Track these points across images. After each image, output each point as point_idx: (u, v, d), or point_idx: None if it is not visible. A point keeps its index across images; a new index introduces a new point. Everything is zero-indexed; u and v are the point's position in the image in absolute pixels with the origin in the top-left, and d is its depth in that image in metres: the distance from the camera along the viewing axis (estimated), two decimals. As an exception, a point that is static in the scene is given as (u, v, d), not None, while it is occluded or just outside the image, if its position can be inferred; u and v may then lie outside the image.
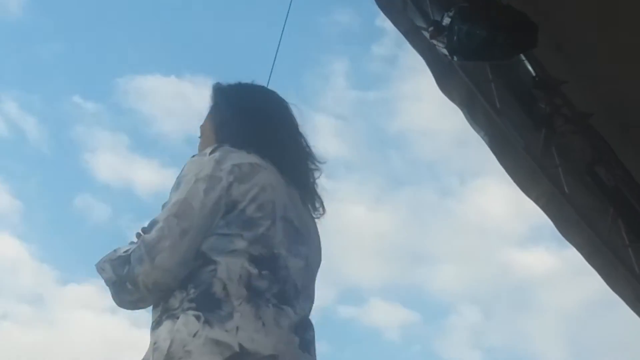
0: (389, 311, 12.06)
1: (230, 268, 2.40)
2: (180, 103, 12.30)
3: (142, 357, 2.39)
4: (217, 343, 2.28)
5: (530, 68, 5.52)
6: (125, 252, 2.45)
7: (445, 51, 4.92)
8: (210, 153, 2.51)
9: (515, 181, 5.72)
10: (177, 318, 2.34)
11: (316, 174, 2.71)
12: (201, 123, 2.78)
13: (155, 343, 2.34)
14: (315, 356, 2.54)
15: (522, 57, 5.37)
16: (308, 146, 2.71)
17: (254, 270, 2.41)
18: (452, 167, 12.74)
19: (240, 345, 2.28)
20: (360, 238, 12.25)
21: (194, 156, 2.56)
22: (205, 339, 2.28)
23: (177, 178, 2.50)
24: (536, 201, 5.79)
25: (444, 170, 12.80)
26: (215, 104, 2.75)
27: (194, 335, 2.29)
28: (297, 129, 2.71)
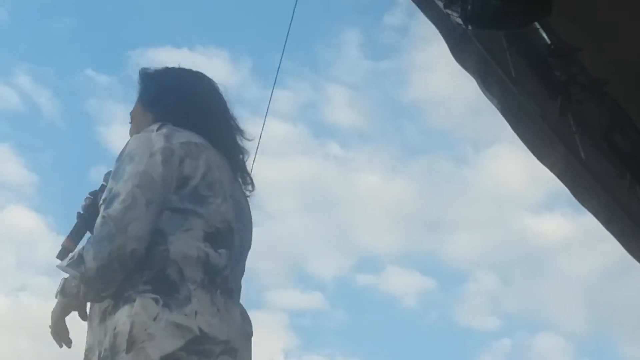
0: (405, 279, 12.11)
1: (184, 249, 2.40)
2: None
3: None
4: (178, 326, 2.30)
5: (545, 36, 5.49)
6: (70, 258, 2.42)
7: (459, 20, 4.90)
8: (157, 130, 2.52)
9: (530, 148, 5.70)
10: (134, 301, 2.34)
11: (244, 151, 2.73)
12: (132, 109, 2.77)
13: (115, 328, 2.33)
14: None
15: (537, 25, 5.34)
16: (237, 124, 2.73)
17: (210, 250, 2.43)
18: (466, 136, 12.73)
19: (200, 329, 2.32)
20: (375, 207, 12.28)
21: (140, 131, 2.55)
22: (166, 322, 2.30)
23: (124, 153, 2.48)
24: (551, 168, 5.77)
25: (458, 138, 12.80)
26: (144, 87, 2.74)
27: (155, 319, 2.30)
28: (227, 107, 2.73)
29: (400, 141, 12.74)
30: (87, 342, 2.45)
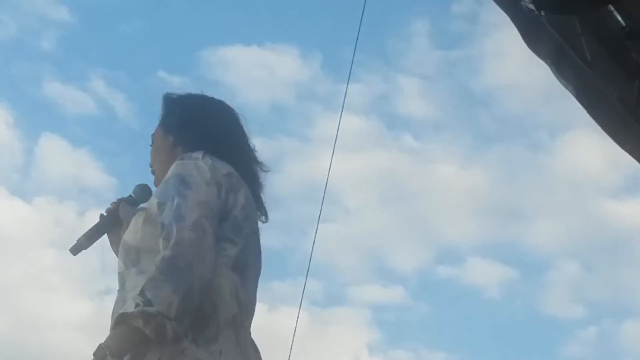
0: (487, 269, 11.98)
1: (220, 282, 2.37)
2: (264, 72, 12.36)
3: None
4: None
5: (619, 18, 5.40)
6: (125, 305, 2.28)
7: (532, 6, 4.86)
8: (202, 158, 2.50)
9: (608, 133, 5.62)
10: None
11: (263, 186, 2.68)
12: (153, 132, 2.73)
13: (144, 358, 2.30)
14: None
15: (611, 7, 5.26)
16: (256, 156, 2.69)
17: (239, 281, 2.42)
18: (541, 122, 12.55)
19: None
20: (453, 197, 12.19)
21: (182, 158, 2.52)
22: (192, 358, 2.29)
23: (173, 176, 2.45)
24: (630, 153, 5.69)
25: (533, 125, 12.63)
26: (167, 111, 2.71)
27: (182, 353, 2.29)
28: (248, 137, 2.69)
29: (475, 130, 12.64)
30: None
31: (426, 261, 12.05)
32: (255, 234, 2.56)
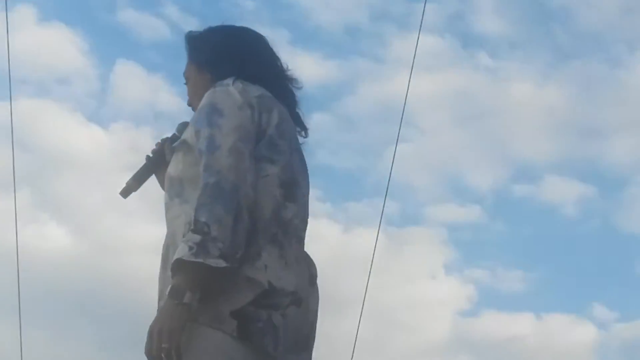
0: (564, 187, 11.84)
1: (261, 200, 2.40)
2: (337, -7, 12.26)
3: None
4: (249, 280, 2.33)
5: None
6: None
7: None
8: (233, 84, 2.52)
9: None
10: None
11: (299, 102, 2.70)
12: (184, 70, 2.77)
13: None
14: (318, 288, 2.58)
15: None
16: (289, 74, 2.71)
17: (282, 199, 2.45)
18: (619, 37, 12.23)
19: (269, 282, 2.35)
20: (529, 115, 12.01)
21: (214, 87, 2.54)
22: (237, 276, 2.31)
23: (206, 105, 2.47)
24: None
25: (610, 40, 12.32)
26: (195, 49, 2.73)
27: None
28: (278, 57, 2.71)
29: (551, 46, 12.37)
30: (158, 288, 2.48)
31: (502, 180, 11.97)
32: (297, 151, 2.59)
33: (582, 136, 12.25)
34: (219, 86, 2.54)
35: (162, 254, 2.50)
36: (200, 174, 2.36)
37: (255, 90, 2.53)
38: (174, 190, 2.50)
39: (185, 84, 2.76)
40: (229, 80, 2.54)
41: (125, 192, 2.72)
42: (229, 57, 2.65)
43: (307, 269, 2.54)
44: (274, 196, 2.44)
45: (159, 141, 2.75)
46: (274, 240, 2.42)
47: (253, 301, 2.33)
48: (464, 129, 12.13)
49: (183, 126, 2.66)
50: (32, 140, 10.72)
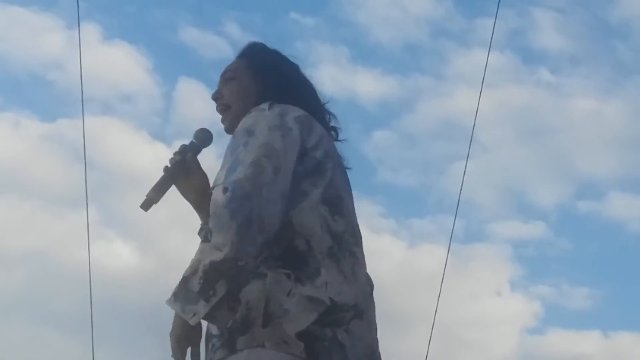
0: (629, 203, 11.72)
1: (308, 219, 2.40)
2: (396, 10, 12.27)
3: None
4: (311, 299, 2.32)
5: None
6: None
7: None
8: (269, 108, 2.52)
9: None
10: (265, 276, 2.34)
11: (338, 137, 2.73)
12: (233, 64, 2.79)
13: (247, 303, 2.32)
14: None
15: None
16: (332, 115, 2.75)
17: (328, 215, 2.44)
18: (681, 51, 12.09)
19: (331, 299, 2.34)
20: (591, 131, 11.92)
21: (250, 112, 2.54)
22: (299, 296, 2.31)
23: (240, 130, 2.48)
24: None
25: (673, 54, 12.17)
26: (255, 54, 2.78)
27: (288, 294, 2.31)
28: (322, 100, 2.75)
29: (612, 62, 12.26)
30: None
31: (566, 196, 11.88)
32: (339, 167, 2.60)
33: (645, 152, 12.10)
34: (254, 111, 2.54)
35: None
36: None
37: (295, 111, 2.54)
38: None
39: (229, 79, 2.76)
40: (265, 106, 2.54)
41: (146, 205, 2.64)
42: (279, 76, 2.70)
43: (365, 281, 2.53)
44: (320, 213, 2.44)
45: (177, 150, 2.69)
46: (331, 254, 2.42)
47: (317, 320, 2.33)
48: (527, 146, 12.07)
49: (201, 132, 2.67)
50: (98, 158, 10.86)
